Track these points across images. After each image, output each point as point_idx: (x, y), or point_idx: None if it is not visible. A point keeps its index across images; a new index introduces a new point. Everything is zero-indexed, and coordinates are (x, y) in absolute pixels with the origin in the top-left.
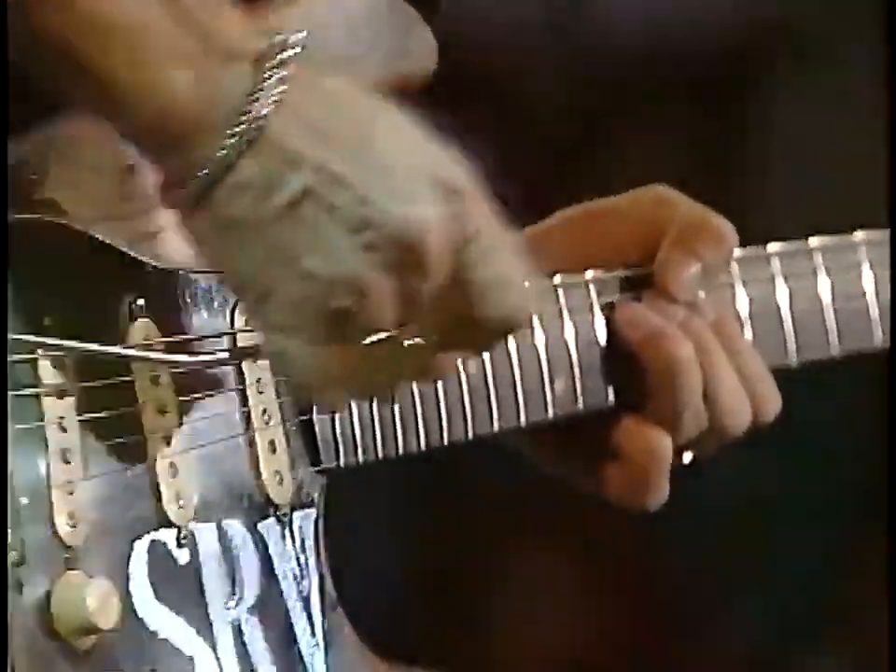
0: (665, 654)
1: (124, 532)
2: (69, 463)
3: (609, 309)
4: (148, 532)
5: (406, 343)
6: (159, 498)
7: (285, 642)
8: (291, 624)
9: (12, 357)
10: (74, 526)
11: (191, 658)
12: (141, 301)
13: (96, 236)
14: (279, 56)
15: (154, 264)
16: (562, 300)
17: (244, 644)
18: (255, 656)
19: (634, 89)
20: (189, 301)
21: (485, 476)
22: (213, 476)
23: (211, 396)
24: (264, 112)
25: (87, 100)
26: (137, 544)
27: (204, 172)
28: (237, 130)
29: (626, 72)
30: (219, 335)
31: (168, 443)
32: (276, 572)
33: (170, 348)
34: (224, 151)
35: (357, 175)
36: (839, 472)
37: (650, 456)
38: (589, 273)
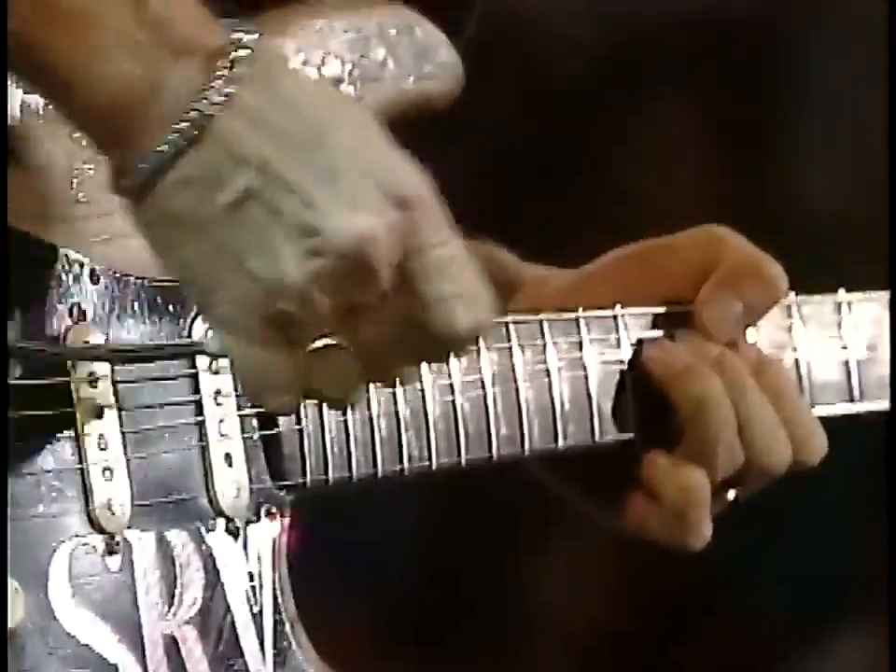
0: (693, 623)
1: (47, 534)
2: None
3: (638, 345)
4: (74, 537)
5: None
6: (88, 503)
7: (227, 657)
8: (237, 639)
9: None
10: None
11: (115, 667)
12: (84, 306)
13: (38, 237)
14: (232, 55)
15: (102, 269)
16: (584, 332)
17: (179, 657)
18: (190, 669)
19: (655, 59)
20: (139, 308)
21: None
22: (157, 485)
23: (159, 406)
24: (210, 111)
25: (38, 84)
26: (61, 547)
27: (144, 165)
28: (180, 126)
29: (649, 42)
30: (164, 345)
31: (104, 448)
32: (224, 585)
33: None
34: (165, 146)
35: (304, 179)
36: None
37: (688, 494)
38: (618, 308)
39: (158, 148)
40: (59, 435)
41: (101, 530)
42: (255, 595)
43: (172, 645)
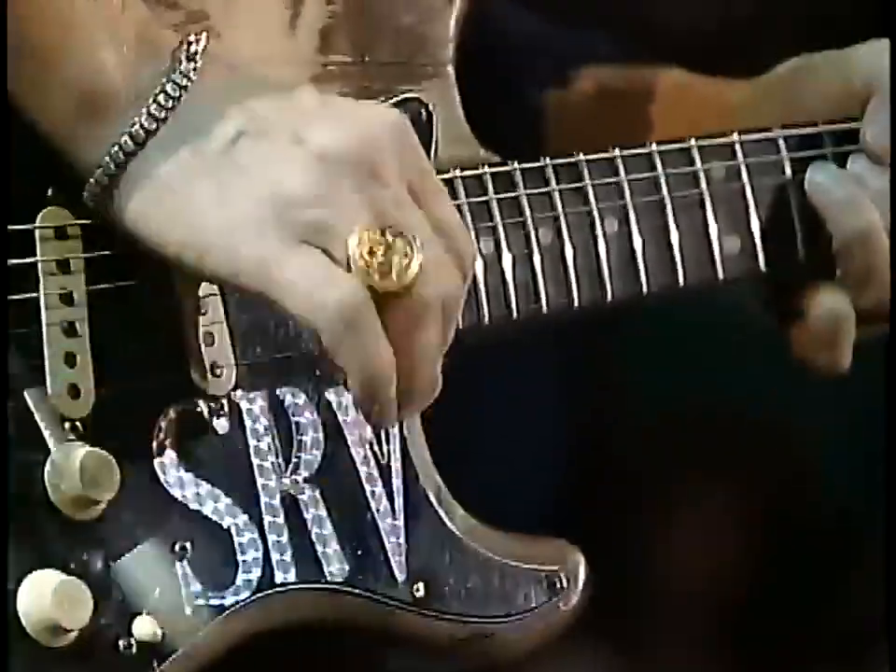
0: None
1: (148, 402)
2: (75, 335)
3: (800, 166)
4: (177, 401)
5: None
6: (191, 368)
7: (353, 513)
8: (364, 494)
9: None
10: (76, 397)
11: (228, 529)
12: None
13: None
14: (191, 48)
15: None
16: (739, 156)
17: (300, 517)
18: (313, 528)
19: None
20: None
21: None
22: (266, 345)
23: None
24: (184, 82)
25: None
26: (164, 414)
27: (125, 137)
28: (157, 98)
29: None
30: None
31: (204, 312)
32: (347, 440)
33: None
34: (145, 117)
35: (288, 112)
36: None
37: (832, 318)
38: (778, 130)
39: (141, 120)
40: (153, 302)
41: (205, 394)
42: (381, 448)
43: (292, 505)
